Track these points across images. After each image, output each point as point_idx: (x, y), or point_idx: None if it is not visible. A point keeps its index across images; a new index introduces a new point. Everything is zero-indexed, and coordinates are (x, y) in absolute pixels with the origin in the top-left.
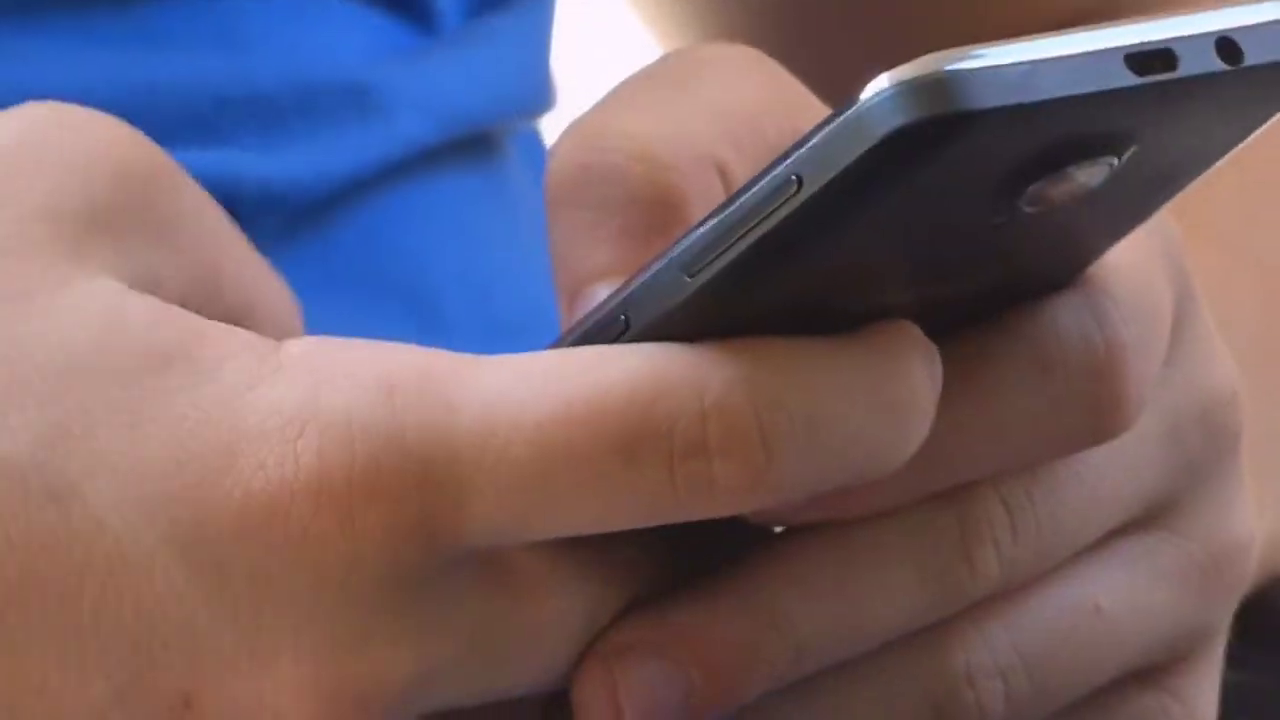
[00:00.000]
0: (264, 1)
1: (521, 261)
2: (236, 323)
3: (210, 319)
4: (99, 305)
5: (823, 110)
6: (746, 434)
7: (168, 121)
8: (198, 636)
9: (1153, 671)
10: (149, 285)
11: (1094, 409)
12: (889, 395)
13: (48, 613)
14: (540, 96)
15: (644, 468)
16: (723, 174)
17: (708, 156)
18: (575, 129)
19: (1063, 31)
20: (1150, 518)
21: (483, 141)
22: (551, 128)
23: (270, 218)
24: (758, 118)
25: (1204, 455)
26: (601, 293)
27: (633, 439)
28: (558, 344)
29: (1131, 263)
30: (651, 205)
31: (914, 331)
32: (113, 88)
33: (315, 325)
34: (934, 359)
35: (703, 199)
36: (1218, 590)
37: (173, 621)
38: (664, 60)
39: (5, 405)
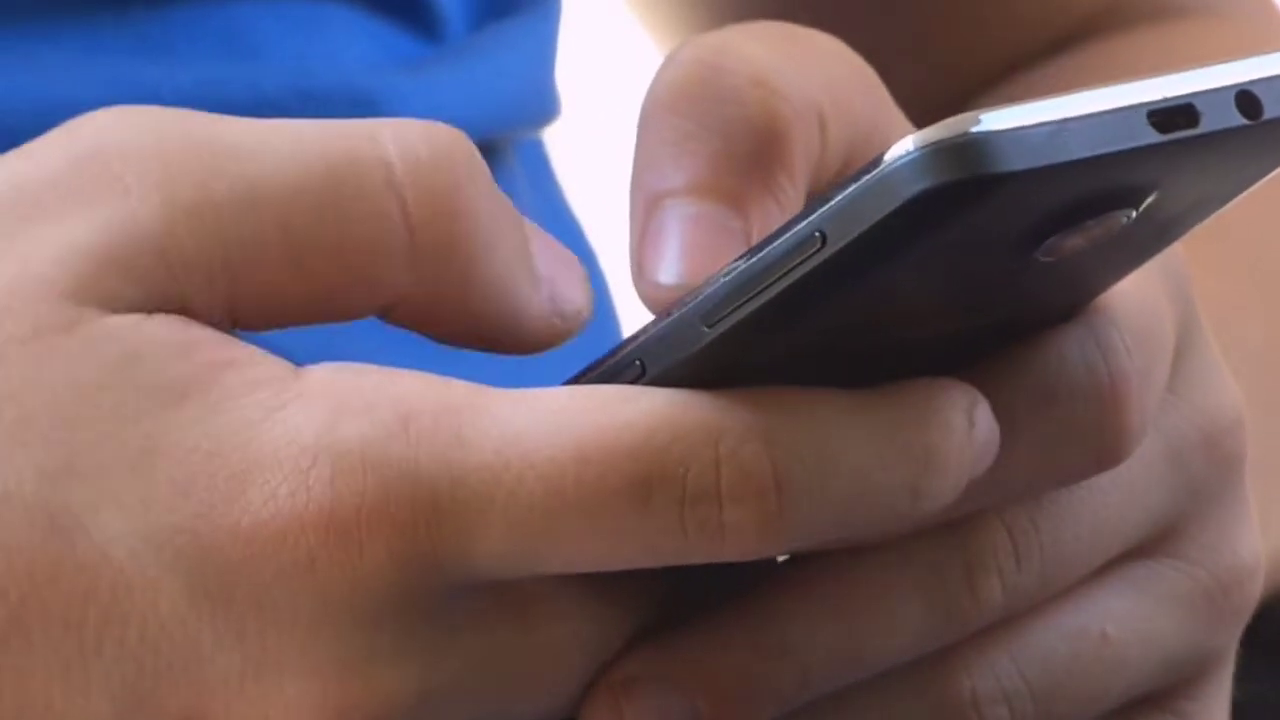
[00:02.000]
0: (270, 11)
1: None
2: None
3: (253, 334)
4: (111, 343)
5: (897, 112)
6: (760, 482)
7: None
8: (202, 659)
9: (1161, 696)
10: (174, 310)
11: (1098, 438)
12: (909, 455)
13: (51, 638)
14: (545, 107)
15: (655, 510)
16: (823, 127)
17: (815, 104)
18: (695, 43)
19: (1085, 87)
20: (1155, 544)
21: (486, 151)
22: (556, 138)
23: None
24: (852, 92)
25: (1208, 480)
26: (677, 209)
27: (646, 481)
28: (573, 382)
29: (1135, 290)
30: (758, 133)
31: (943, 391)
32: (118, 97)
33: (320, 336)
34: (969, 410)
35: (804, 143)
36: (1224, 615)
37: (177, 644)
38: (770, 22)
39: (11, 445)
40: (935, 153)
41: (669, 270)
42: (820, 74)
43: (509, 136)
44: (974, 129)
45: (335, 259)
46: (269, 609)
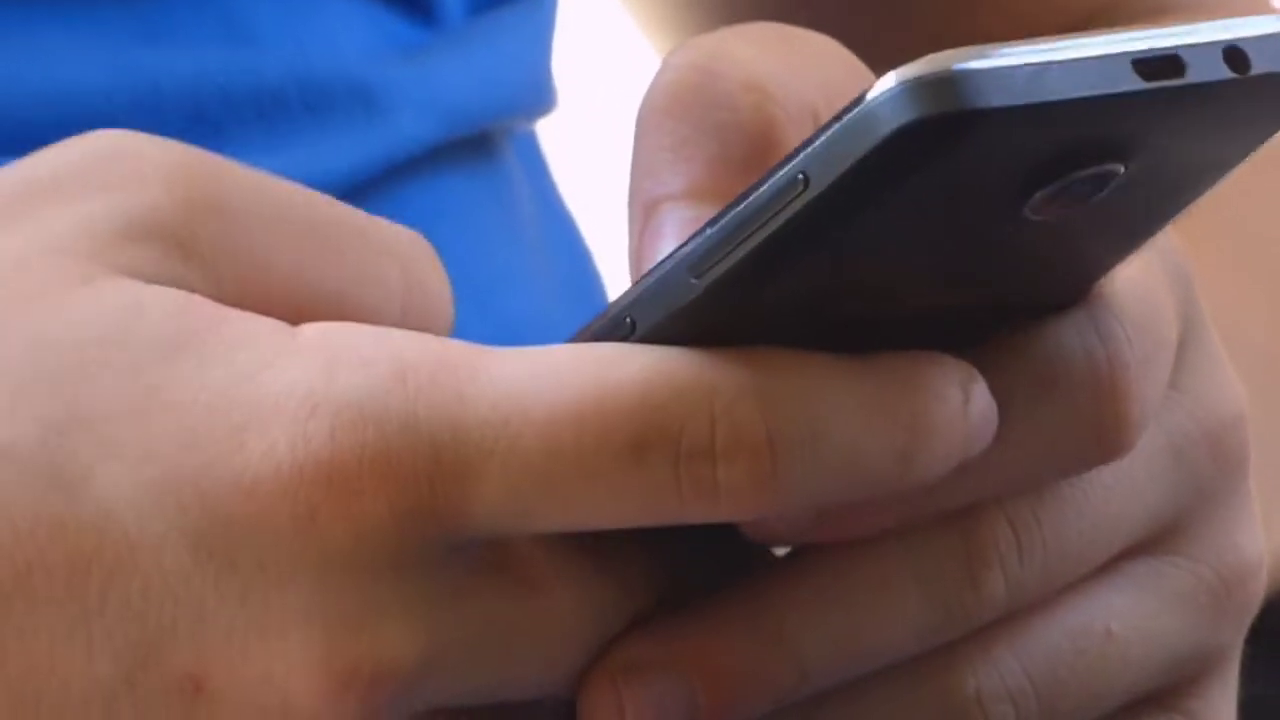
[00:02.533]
0: None
1: (522, 262)
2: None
3: None
4: (116, 298)
5: None
6: (754, 441)
7: (172, 117)
8: (206, 618)
9: (1166, 694)
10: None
11: (1097, 428)
12: (896, 419)
13: (54, 598)
14: (541, 97)
15: (651, 467)
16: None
17: (809, 106)
18: (689, 48)
19: (1072, 35)
20: (1158, 540)
21: (483, 141)
22: (550, 129)
23: None
24: (847, 92)
25: (1211, 477)
26: (675, 213)
27: (642, 439)
28: (568, 341)
29: (1136, 282)
30: (753, 137)
31: (936, 363)
32: (118, 82)
33: None
34: (964, 385)
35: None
36: (1228, 612)
37: (181, 604)
38: (764, 24)
39: (15, 397)
40: (916, 87)
41: None
42: (815, 75)
43: (505, 126)
44: (956, 65)
45: (333, 306)
46: (271, 566)
